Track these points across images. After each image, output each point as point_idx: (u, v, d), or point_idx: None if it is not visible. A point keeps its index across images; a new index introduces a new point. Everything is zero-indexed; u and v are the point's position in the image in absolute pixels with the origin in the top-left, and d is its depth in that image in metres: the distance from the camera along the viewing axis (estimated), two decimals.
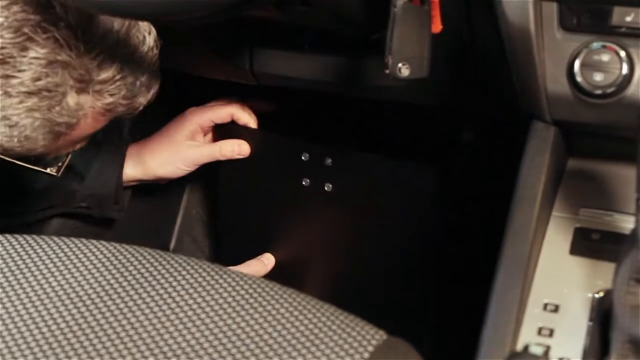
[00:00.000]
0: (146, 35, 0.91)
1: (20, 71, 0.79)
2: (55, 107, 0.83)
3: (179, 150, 1.18)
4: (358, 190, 1.19)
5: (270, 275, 1.22)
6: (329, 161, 1.18)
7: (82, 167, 1.13)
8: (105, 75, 0.86)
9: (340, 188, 1.19)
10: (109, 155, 1.16)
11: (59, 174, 1.04)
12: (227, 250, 1.36)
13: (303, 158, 1.20)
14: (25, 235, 0.86)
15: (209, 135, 1.23)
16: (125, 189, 1.20)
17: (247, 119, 1.20)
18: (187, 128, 1.19)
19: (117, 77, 0.87)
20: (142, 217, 1.39)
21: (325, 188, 1.20)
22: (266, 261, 1.24)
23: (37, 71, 0.80)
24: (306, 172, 1.21)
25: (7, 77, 0.79)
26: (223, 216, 1.36)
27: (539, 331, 0.73)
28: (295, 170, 1.21)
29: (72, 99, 0.84)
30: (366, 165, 1.18)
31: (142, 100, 0.93)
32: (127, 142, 1.19)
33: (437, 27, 0.85)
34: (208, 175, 1.44)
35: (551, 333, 0.73)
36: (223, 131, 1.21)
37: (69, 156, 1.04)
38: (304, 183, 1.21)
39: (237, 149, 1.20)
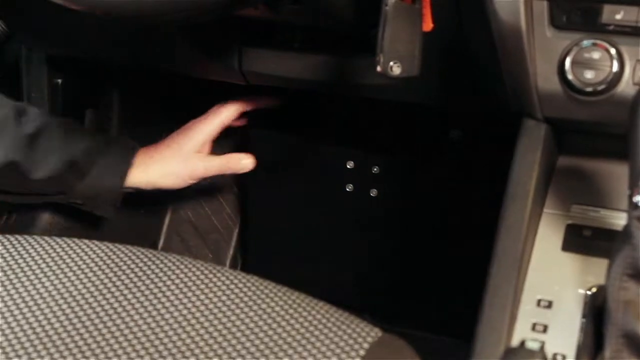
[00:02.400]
0: None
1: None
2: None
3: (187, 163, 1.16)
4: (402, 196, 1.26)
5: (303, 274, 1.25)
6: (375, 169, 1.24)
7: (86, 166, 1.12)
8: None
9: (385, 193, 1.25)
10: (115, 159, 1.14)
11: None
12: (254, 253, 1.39)
13: (348, 166, 1.25)
14: (17, 235, 0.86)
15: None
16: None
17: (248, 105, 1.21)
18: (196, 140, 1.17)
19: None
20: (130, 216, 1.39)
21: (371, 193, 1.25)
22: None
23: None
24: (351, 178, 1.27)
25: None
26: (251, 220, 1.38)
27: (533, 327, 0.73)
28: (339, 177, 1.27)
29: None
30: (411, 173, 1.25)
31: None
32: (135, 148, 1.17)
33: (428, 25, 0.85)
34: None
35: (545, 329, 0.73)
36: (261, 139, 1.22)
37: None
38: (347, 189, 1.26)
39: (242, 164, 1.18)
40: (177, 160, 1.16)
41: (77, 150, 1.11)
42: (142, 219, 1.44)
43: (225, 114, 1.19)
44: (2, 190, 1.14)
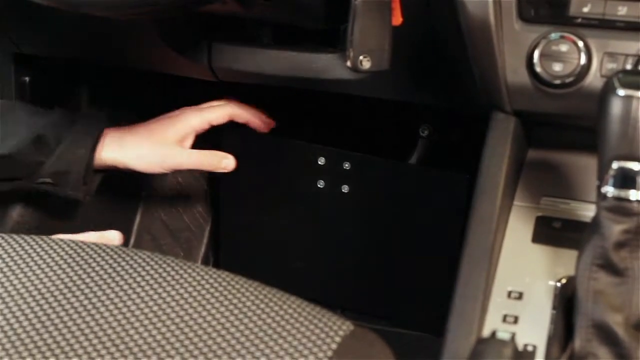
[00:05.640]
0: None
1: None
2: None
3: (162, 150, 1.13)
4: (373, 191, 1.26)
5: (275, 271, 1.27)
6: (347, 165, 1.23)
7: (53, 140, 1.08)
8: None
9: (357, 189, 1.25)
10: (82, 132, 1.09)
11: None
12: (226, 251, 1.38)
13: (319, 162, 1.24)
14: None
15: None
16: (96, 172, 1.13)
17: (246, 117, 1.17)
18: (179, 129, 1.13)
19: None
20: (100, 214, 1.38)
21: (343, 189, 1.25)
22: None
23: None
24: (322, 174, 1.26)
25: None
26: (223, 218, 1.37)
27: (504, 318, 0.74)
28: (310, 173, 1.26)
29: None
30: (383, 169, 1.24)
31: None
32: (103, 121, 1.13)
33: (397, 19, 0.86)
34: (166, 173, 1.44)
35: (516, 320, 0.73)
36: (233, 136, 1.20)
37: None
38: (319, 185, 1.26)
39: (224, 163, 1.16)
40: (153, 146, 1.13)
41: (43, 125, 1.08)
42: (112, 217, 1.43)
43: (217, 115, 1.15)
44: None
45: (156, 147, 1.13)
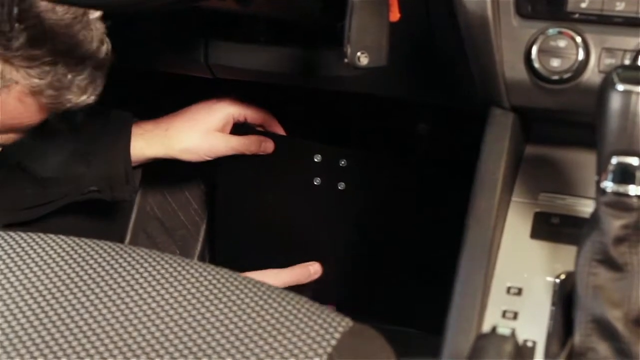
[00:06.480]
0: (94, 38, 0.89)
1: None
2: None
3: (209, 139, 1.15)
4: (370, 189, 1.25)
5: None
6: (343, 162, 1.23)
7: (88, 151, 1.11)
8: (33, 52, 0.84)
9: (353, 186, 1.25)
10: (115, 135, 1.12)
11: None
12: (222, 249, 1.38)
13: (316, 160, 1.24)
14: None
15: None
16: (136, 167, 1.16)
17: (276, 128, 1.23)
18: (221, 117, 1.16)
19: (46, 59, 0.86)
20: (95, 213, 1.37)
21: (339, 187, 1.25)
22: (312, 270, 1.24)
23: None
24: (318, 172, 1.25)
25: None
26: (219, 216, 1.37)
27: (503, 314, 0.74)
28: (306, 170, 1.26)
29: None
30: (379, 166, 1.25)
31: (72, 97, 0.91)
32: (130, 119, 1.15)
33: (394, 15, 0.86)
34: (161, 171, 1.44)
35: (515, 316, 0.74)
36: (235, 128, 1.21)
37: None
38: (315, 182, 1.26)
39: (262, 146, 1.20)
40: (200, 136, 1.15)
41: (74, 139, 1.10)
42: (107, 216, 1.43)
43: (254, 114, 1.19)
44: (25, 207, 1.14)
45: (203, 137, 1.15)
